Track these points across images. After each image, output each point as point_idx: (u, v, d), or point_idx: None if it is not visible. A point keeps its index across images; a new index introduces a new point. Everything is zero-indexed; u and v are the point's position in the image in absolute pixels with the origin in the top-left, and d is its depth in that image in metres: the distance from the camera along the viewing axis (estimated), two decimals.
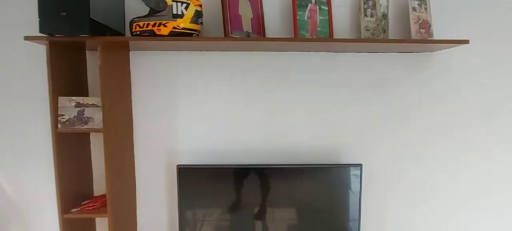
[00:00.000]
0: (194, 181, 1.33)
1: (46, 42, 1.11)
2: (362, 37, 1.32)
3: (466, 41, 1.20)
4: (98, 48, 1.13)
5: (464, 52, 1.42)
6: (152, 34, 1.12)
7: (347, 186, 1.35)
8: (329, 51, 1.42)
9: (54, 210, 1.45)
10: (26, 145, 1.42)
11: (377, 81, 1.46)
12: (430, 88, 1.47)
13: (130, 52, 1.39)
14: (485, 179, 1.53)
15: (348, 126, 1.48)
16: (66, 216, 1.21)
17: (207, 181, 1.36)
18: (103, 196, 1.36)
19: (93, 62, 1.37)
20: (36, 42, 1.16)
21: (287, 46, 1.30)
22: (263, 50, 1.40)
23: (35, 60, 1.36)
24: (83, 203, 1.29)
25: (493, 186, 1.53)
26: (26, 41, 1.12)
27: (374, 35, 1.33)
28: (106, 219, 1.44)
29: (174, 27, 1.12)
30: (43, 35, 1.09)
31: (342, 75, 1.44)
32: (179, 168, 1.29)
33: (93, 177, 1.43)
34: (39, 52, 1.34)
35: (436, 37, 1.35)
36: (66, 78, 1.23)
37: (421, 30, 1.31)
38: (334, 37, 1.32)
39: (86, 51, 1.37)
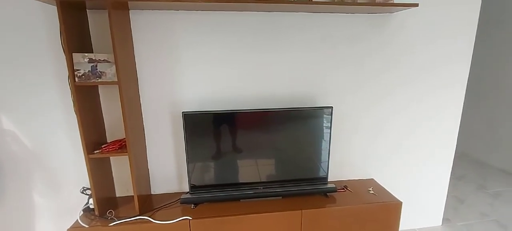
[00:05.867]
0: (196, 124, 1.57)
1: (56, 1, 1.22)
2: None
3: (416, 5, 1.48)
4: (108, 8, 1.25)
5: (416, 14, 1.71)
6: None
7: (321, 124, 1.68)
8: (308, 12, 1.64)
9: (73, 156, 1.66)
10: (41, 100, 1.55)
11: (347, 38, 1.72)
12: (389, 45, 1.77)
13: (129, 11, 1.51)
14: (428, 119, 1.95)
15: (323, 76, 1.76)
16: (91, 156, 1.42)
17: (207, 124, 1.60)
18: (117, 141, 1.58)
19: (94, 21, 1.49)
20: (45, 2, 1.25)
21: (273, 7, 1.50)
22: (252, 11, 1.58)
23: (37, 21, 1.44)
24: (102, 146, 1.50)
25: (433, 126, 1.97)
26: (31, 1, 1.22)
27: None
28: (120, 158, 1.69)
29: None
30: None
31: (319, 33, 1.69)
32: (184, 114, 1.53)
33: (105, 125, 1.62)
34: (39, 14, 1.43)
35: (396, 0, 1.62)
36: (74, 36, 1.35)
37: None
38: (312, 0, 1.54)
39: (87, 11, 1.47)
